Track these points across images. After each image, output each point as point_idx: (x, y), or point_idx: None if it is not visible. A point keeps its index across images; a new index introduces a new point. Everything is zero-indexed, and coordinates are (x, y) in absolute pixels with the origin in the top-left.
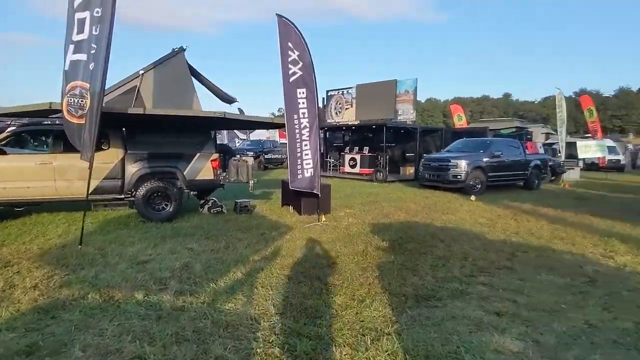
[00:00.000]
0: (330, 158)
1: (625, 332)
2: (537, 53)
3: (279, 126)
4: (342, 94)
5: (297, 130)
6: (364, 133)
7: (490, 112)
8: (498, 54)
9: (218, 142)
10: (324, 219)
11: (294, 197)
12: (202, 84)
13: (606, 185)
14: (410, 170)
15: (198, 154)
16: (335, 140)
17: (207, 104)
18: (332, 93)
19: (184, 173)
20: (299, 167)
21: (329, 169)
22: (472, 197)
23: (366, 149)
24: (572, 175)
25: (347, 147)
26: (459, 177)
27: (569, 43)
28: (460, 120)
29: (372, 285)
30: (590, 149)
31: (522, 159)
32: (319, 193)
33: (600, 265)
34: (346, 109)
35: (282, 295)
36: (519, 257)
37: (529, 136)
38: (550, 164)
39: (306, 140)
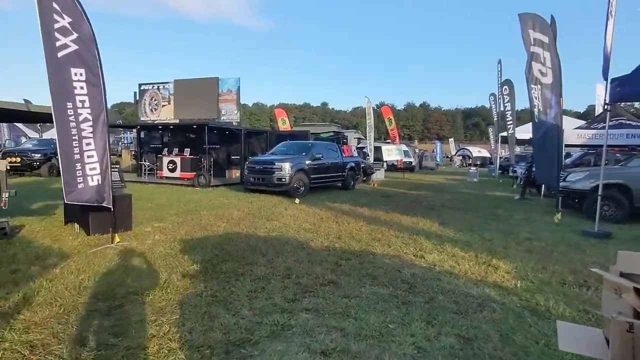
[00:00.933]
0: (145, 161)
1: (452, 351)
2: (349, 68)
3: (44, 119)
4: (158, 89)
5: (72, 124)
6: (185, 134)
7: (311, 119)
8: (318, 64)
9: None
10: (118, 239)
11: (80, 212)
12: None
13: (404, 183)
14: (236, 173)
15: None
16: (152, 141)
17: None
18: (146, 87)
19: None
20: (79, 173)
21: (144, 174)
22: (297, 200)
23: (187, 151)
24: (379, 175)
25: (166, 149)
26: (283, 180)
27: (374, 60)
28: (284, 124)
29: (165, 338)
30: (392, 153)
31: (340, 161)
32: (111, 206)
33: (414, 266)
34: (163, 106)
35: None
36: (343, 266)
37: (344, 140)
38: (362, 165)
39: (88, 137)
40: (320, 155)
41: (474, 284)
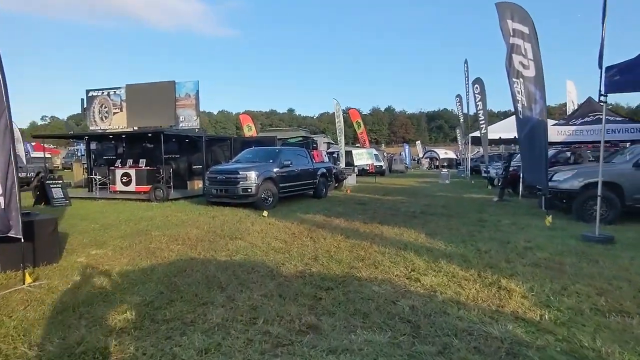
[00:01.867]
0: (96, 174)
1: None
2: (315, 74)
3: None
4: (109, 95)
5: None
6: (140, 143)
7: (278, 125)
8: (283, 70)
9: None
10: (29, 279)
11: None
12: None
13: (378, 188)
14: (198, 184)
15: None
16: (105, 152)
17: None
18: (95, 94)
19: None
20: None
21: (96, 188)
22: (265, 213)
23: (143, 162)
24: (351, 180)
25: (120, 161)
26: (249, 190)
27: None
28: (250, 131)
29: None
30: (362, 157)
31: (311, 167)
32: (21, 236)
33: (411, 295)
34: (114, 113)
35: None
36: (323, 300)
37: (314, 145)
38: (334, 171)
39: None
40: (289, 162)
41: (490, 317)
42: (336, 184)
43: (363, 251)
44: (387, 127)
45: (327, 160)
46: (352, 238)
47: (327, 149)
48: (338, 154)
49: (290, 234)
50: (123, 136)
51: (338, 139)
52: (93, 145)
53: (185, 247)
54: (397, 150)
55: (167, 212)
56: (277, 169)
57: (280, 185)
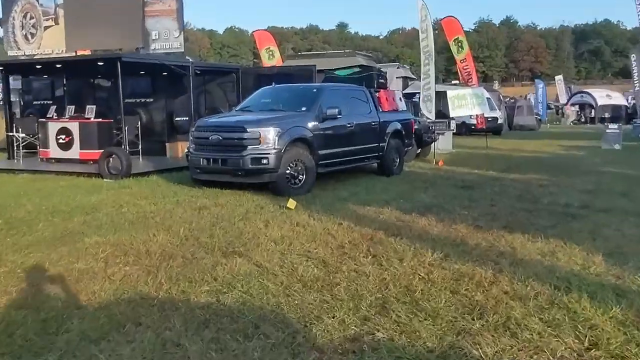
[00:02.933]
0: (19, 131)
1: None
2: None
3: None
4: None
5: None
6: (88, 79)
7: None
8: None
9: None
10: None
11: None
12: None
13: (492, 158)
14: (183, 148)
15: None
16: (37, 95)
17: None
18: None
19: None
20: None
21: (18, 154)
22: (291, 203)
23: (92, 111)
24: (444, 143)
25: (54, 107)
26: (264, 161)
27: None
28: (271, 58)
29: None
30: (465, 102)
31: (374, 121)
32: None
33: None
34: (46, 28)
35: None
36: None
37: (381, 80)
38: (416, 127)
39: None
40: (336, 111)
41: None
42: (419, 150)
43: (479, 292)
44: (503, 52)
45: (404, 108)
46: (453, 259)
47: (404, 89)
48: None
49: (335, 247)
50: (58, 66)
51: (422, 69)
52: (17, 83)
53: (138, 270)
54: (521, 91)
55: (123, 198)
56: (315, 122)
57: (320, 152)
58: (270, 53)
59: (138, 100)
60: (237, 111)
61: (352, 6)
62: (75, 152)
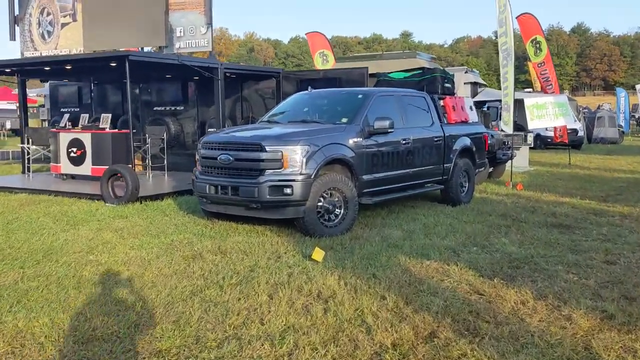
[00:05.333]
0: (29, 142)
1: None
2: None
3: None
4: None
5: None
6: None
7: None
8: None
9: None
10: None
11: None
12: None
13: (580, 179)
14: None
15: None
16: (65, 101)
17: None
18: None
19: None
20: None
21: (29, 168)
22: (317, 253)
23: (107, 119)
24: (519, 160)
25: (67, 116)
26: (287, 190)
27: None
28: (325, 63)
29: None
30: (545, 112)
31: (438, 136)
32: None
33: None
34: (64, 25)
35: None
36: None
37: (447, 84)
38: (489, 142)
39: None
40: (388, 123)
41: None
42: (491, 168)
43: None
44: (574, 60)
45: (475, 119)
46: None
47: (474, 95)
48: (490, 108)
49: (381, 339)
50: (67, 67)
51: (501, 71)
52: (44, 89)
53: None
54: (594, 101)
55: (104, 237)
56: (358, 138)
57: (365, 177)
58: (324, 57)
59: (167, 109)
60: (262, 123)
61: (416, 15)
62: (87, 167)
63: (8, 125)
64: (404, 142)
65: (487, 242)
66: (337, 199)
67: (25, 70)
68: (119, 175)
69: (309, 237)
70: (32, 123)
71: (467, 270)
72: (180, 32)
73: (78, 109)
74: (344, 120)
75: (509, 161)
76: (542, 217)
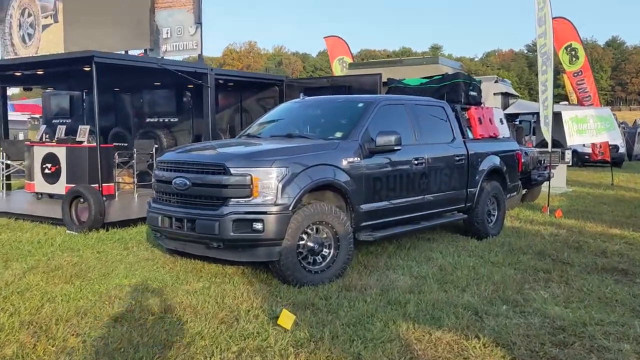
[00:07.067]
0: (5, 156)
1: None
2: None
3: None
4: None
5: None
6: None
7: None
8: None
9: None
10: None
11: None
12: None
13: (629, 205)
14: None
15: None
16: (56, 111)
17: None
18: None
19: None
20: None
21: (2, 187)
22: (284, 318)
23: (85, 132)
24: (556, 180)
25: (43, 126)
26: (257, 225)
27: None
28: (345, 71)
29: None
30: (587, 127)
31: (459, 154)
32: None
33: None
34: (44, 28)
35: None
36: None
37: (473, 92)
38: (523, 161)
39: None
40: (393, 139)
41: None
42: (524, 191)
43: None
44: (609, 74)
45: (507, 134)
46: None
47: (506, 107)
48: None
49: None
50: (39, 72)
51: (539, 78)
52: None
53: None
54: (630, 116)
55: (32, 279)
56: (354, 158)
57: (363, 207)
58: (344, 64)
59: (160, 120)
60: (241, 137)
61: (446, 28)
62: (61, 186)
63: (21, 136)
64: (416, 162)
65: (521, 297)
66: (325, 236)
67: (4, 77)
68: (78, 195)
69: (287, 285)
70: (33, 135)
71: (494, 348)
72: (167, 33)
73: (70, 120)
74: (338, 134)
75: (546, 181)
76: (589, 257)
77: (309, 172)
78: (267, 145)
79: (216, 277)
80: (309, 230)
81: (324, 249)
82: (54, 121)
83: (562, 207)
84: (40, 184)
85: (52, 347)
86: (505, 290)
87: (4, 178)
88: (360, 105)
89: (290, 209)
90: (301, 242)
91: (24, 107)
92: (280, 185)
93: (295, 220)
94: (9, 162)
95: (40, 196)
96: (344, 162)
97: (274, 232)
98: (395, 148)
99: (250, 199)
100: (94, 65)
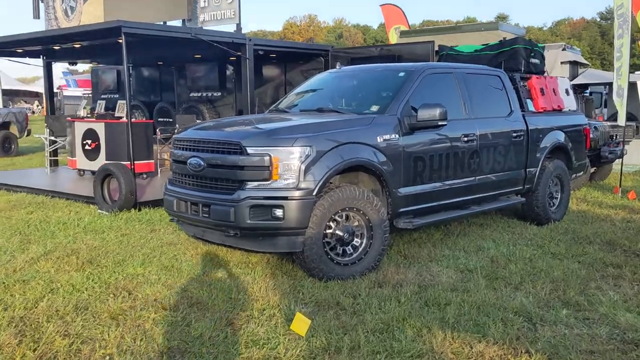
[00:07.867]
0: (49, 132)
1: None
2: None
3: None
4: None
5: None
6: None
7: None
8: None
9: None
10: None
11: None
12: None
13: None
14: None
15: None
16: (105, 86)
17: None
18: None
19: None
20: None
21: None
22: (299, 323)
23: (123, 106)
24: (630, 157)
25: (84, 101)
26: (277, 212)
27: None
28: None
29: None
30: None
31: (517, 129)
32: None
33: None
34: (86, 0)
35: None
36: None
37: (535, 59)
38: (591, 136)
39: None
40: (438, 112)
41: None
42: (593, 169)
43: None
44: None
45: (574, 107)
46: None
47: (574, 77)
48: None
49: None
50: (76, 46)
51: (615, 44)
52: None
53: None
54: None
55: (45, 265)
56: (392, 135)
57: (401, 191)
58: (400, 34)
59: (203, 95)
60: (270, 112)
61: None
62: (101, 163)
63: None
64: (465, 139)
65: (585, 299)
66: (356, 224)
67: (49, 52)
68: (109, 174)
69: (312, 280)
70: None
71: None
72: (204, 2)
73: (117, 95)
74: (374, 108)
75: (619, 158)
76: None
77: (337, 151)
78: (292, 122)
79: (238, 267)
80: (337, 218)
81: (355, 239)
82: (102, 96)
83: (637, 188)
84: (81, 161)
85: (33, 351)
86: (566, 290)
87: (49, 154)
88: (401, 74)
89: (314, 193)
90: (328, 231)
91: (86, 82)
92: (303, 167)
93: (320, 207)
94: (52, 137)
95: (82, 173)
96: (380, 140)
97: (295, 220)
98: (440, 123)
99: (269, 182)
100: (123, 37)
